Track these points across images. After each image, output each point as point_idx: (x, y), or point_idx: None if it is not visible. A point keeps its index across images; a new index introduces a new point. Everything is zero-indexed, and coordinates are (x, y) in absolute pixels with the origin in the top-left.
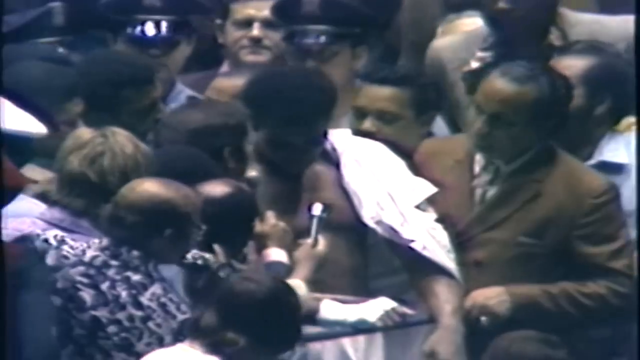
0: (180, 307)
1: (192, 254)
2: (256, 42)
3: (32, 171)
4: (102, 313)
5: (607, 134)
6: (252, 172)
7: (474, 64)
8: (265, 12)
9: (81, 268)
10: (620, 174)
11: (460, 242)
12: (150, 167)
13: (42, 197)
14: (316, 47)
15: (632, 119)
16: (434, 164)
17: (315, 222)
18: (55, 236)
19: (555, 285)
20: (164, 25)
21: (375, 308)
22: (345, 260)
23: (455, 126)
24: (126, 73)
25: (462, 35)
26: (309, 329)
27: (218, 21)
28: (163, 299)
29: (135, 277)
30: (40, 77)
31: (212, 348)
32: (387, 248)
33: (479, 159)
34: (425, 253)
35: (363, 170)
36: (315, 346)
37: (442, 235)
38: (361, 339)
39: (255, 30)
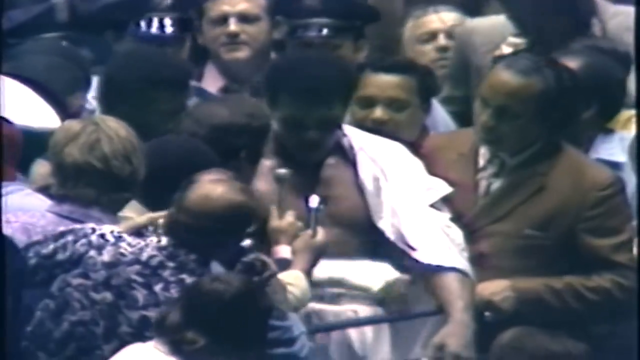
0: None
1: (249, 257)
2: (233, 37)
3: (41, 165)
4: (152, 313)
5: (601, 134)
6: (282, 170)
7: (506, 49)
8: (240, 7)
9: (137, 267)
10: (617, 172)
11: (465, 235)
12: (141, 144)
13: (45, 191)
14: (318, 40)
15: (630, 112)
16: (438, 158)
17: (312, 214)
18: (112, 232)
19: (560, 280)
20: (168, 22)
21: (378, 277)
22: (354, 257)
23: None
24: (164, 74)
25: (496, 18)
26: (315, 321)
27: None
28: None
29: (190, 280)
30: (42, 70)
31: (173, 347)
32: (396, 246)
33: (483, 153)
34: (426, 261)
35: (377, 169)
36: (322, 339)
37: (456, 234)
38: (368, 332)
39: (232, 26)
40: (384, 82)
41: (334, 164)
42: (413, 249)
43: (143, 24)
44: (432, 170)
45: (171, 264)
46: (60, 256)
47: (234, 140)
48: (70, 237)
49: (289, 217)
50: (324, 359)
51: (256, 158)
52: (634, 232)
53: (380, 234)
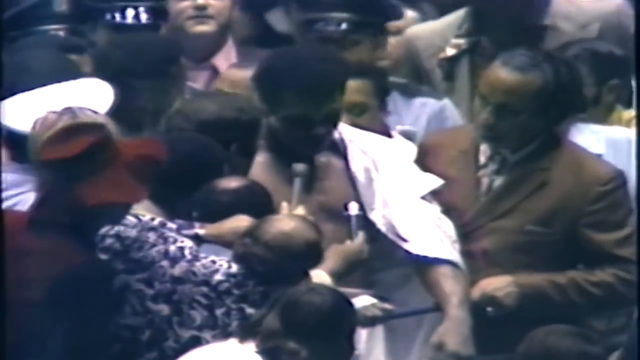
0: None
1: None
2: (201, 10)
3: None
4: (205, 335)
5: (572, 126)
6: (299, 164)
7: (450, 51)
8: None
9: (204, 289)
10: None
11: (467, 232)
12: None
13: None
14: (337, 35)
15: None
16: (438, 155)
17: (353, 221)
18: (191, 248)
19: (563, 275)
20: (142, 10)
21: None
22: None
23: None
24: (170, 49)
25: (437, 22)
26: None
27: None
28: None
29: (250, 310)
30: (42, 66)
31: (268, 352)
32: (389, 241)
33: (484, 150)
34: (418, 252)
35: (368, 160)
36: None
37: (447, 226)
38: (362, 330)
39: None
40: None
41: (326, 157)
42: (404, 240)
43: (117, 14)
44: (432, 167)
45: (236, 292)
46: (134, 254)
47: (222, 135)
48: (151, 237)
49: (300, 211)
50: None
51: (248, 152)
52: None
53: (372, 225)
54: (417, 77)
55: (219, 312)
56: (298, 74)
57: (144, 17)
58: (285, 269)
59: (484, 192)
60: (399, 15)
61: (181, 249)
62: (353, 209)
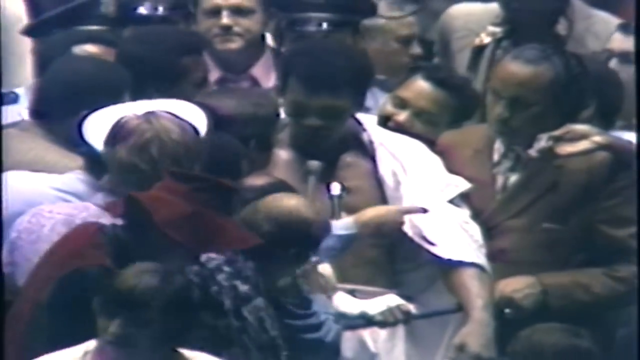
0: (274, 325)
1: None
2: (226, 29)
3: None
4: (203, 316)
5: None
6: (313, 162)
7: (486, 39)
8: (233, 0)
9: (196, 267)
10: None
11: (484, 231)
12: (200, 146)
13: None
14: (318, 35)
15: None
16: (453, 155)
17: (335, 201)
18: None
19: (586, 273)
20: (160, 5)
21: (380, 303)
22: (368, 252)
23: None
24: (186, 41)
25: (476, 6)
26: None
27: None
28: (262, 313)
29: (243, 288)
30: (89, 73)
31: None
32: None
33: (497, 147)
34: (446, 256)
35: (397, 164)
36: None
37: (474, 230)
38: (382, 330)
39: (225, 19)
40: (422, 90)
41: (353, 158)
42: (432, 244)
43: (136, 7)
44: (448, 167)
45: (227, 269)
46: None
47: (241, 130)
48: None
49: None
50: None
51: (266, 147)
52: None
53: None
54: (444, 56)
55: (212, 290)
56: (304, 62)
57: (161, 11)
58: (283, 244)
59: (500, 190)
60: (373, 12)
61: None
62: (335, 189)
